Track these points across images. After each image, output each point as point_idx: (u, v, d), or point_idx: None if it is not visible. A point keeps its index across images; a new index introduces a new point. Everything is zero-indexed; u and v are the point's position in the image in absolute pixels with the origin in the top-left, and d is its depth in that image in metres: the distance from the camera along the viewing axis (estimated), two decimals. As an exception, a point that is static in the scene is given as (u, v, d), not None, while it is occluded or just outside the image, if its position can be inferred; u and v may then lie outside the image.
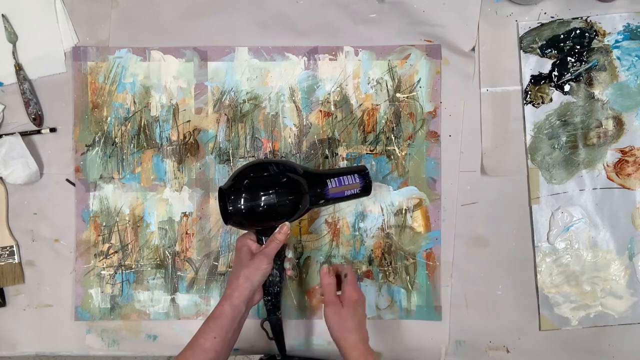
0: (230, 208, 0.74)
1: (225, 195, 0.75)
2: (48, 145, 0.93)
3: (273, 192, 0.75)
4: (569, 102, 0.91)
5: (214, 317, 0.74)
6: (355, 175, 0.82)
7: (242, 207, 0.74)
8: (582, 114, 0.91)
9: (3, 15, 0.93)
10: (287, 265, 0.81)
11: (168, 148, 0.93)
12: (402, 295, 0.92)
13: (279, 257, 0.79)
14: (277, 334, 0.82)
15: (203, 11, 0.93)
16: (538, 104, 0.91)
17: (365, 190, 0.83)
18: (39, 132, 0.93)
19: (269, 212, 0.75)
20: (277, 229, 0.77)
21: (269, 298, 0.80)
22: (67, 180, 0.93)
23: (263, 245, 0.78)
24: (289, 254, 0.82)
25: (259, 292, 0.78)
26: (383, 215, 0.92)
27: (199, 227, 0.93)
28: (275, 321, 0.81)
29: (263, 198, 0.75)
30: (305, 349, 0.92)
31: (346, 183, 0.81)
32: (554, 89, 0.91)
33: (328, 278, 0.78)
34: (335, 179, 0.81)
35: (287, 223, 0.77)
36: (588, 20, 0.91)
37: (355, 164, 0.92)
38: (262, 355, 0.94)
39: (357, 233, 0.92)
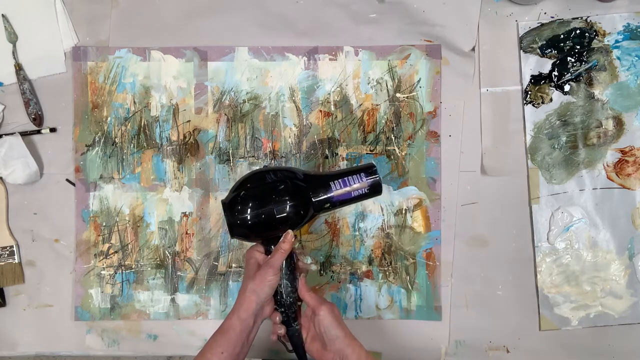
0: (230, 221, 0.73)
1: (225, 208, 0.74)
2: (48, 145, 0.93)
3: (270, 201, 0.73)
4: (569, 102, 0.91)
5: (221, 331, 0.72)
6: (362, 174, 0.77)
7: (241, 219, 0.73)
8: (582, 114, 0.91)
9: (3, 15, 0.93)
10: (313, 267, 0.78)
11: (168, 148, 0.93)
12: (402, 295, 0.92)
13: (289, 267, 0.75)
14: (297, 345, 0.76)
15: (203, 11, 0.93)
16: (538, 104, 0.91)
17: (374, 189, 0.78)
18: (39, 132, 0.93)
19: (269, 221, 0.73)
20: (282, 238, 0.74)
21: (283, 310, 0.75)
22: (67, 180, 0.93)
23: (269, 257, 0.75)
24: (308, 259, 0.78)
25: (268, 305, 0.75)
26: (383, 215, 0.92)
27: (199, 227, 0.93)
28: (293, 332, 0.76)
29: (260, 208, 0.73)
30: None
31: (352, 184, 0.77)
32: (554, 89, 0.91)
33: (307, 286, 0.76)
34: (340, 180, 0.77)
35: (290, 231, 0.74)
36: (588, 20, 0.91)
37: (355, 164, 0.92)
38: (261, 359, 0.94)
39: (357, 233, 0.92)
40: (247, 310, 0.72)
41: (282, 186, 0.74)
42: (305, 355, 0.77)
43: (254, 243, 0.78)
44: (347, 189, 0.77)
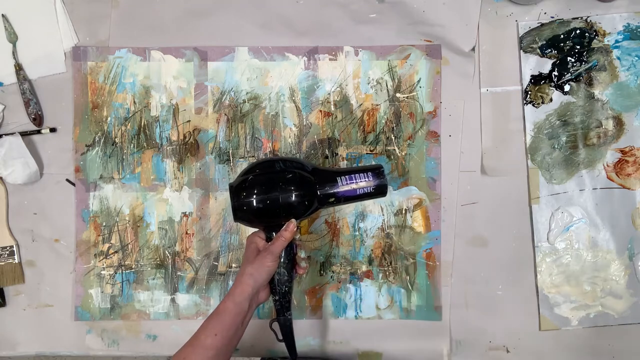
0: (235, 204, 0.75)
1: (231, 191, 0.76)
2: (48, 145, 0.93)
3: (276, 188, 0.74)
4: (569, 102, 0.91)
5: (216, 313, 0.73)
6: (369, 173, 0.79)
7: (246, 203, 0.74)
8: (582, 114, 0.91)
9: (3, 15, 0.93)
10: (303, 264, 0.79)
11: (168, 148, 0.93)
12: (402, 295, 0.92)
13: (288, 256, 0.77)
14: (287, 335, 0.79)
15: (203, 11, 0.93)
16: (538, 104, 0.91)
17: (380, 190, 0.79)
18: (39, 132, 0.93)
19: (273, 208, 0.75)
20: (284, 226, 0.76)
21: (277, 298, 0.77)
22: (67, 180, 0.93)
23: (270, 243, 0.76)
24: (302, 254, 0.79)
25: (264, 291, 0.76)
26: (383, 215, 0.92)
27: (199, 227, 0.93)
28: (284, 322, 0.78)
29: (266, 194, 0.74)
30: (305, 350, 0.92)
31: (358, 181, 0.78)
32: (554, 89, 0.91)
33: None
34: (347, 176, 0.78)
35: (293, 220, 0.76)
36: (588, 20, 0.91)
37: (355, 164, 0.92)
38: (261, 357, 0.94)
39: (357, 233, 0.92)
40: (243, 294, 0.72)
41: (290, 175, 0.76)
42: (294, 346, 0.78)
43: (256, 229, 0.80)
44: (353, 185, 0.78)
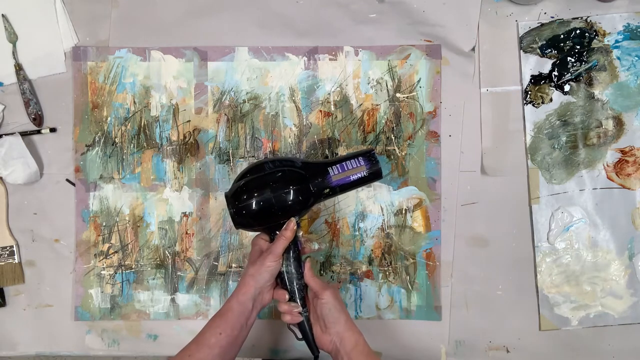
0: (232, 211, 0.76)
1: (227, 200, 0.77)
2: (48, 145, 0.93)
3: (268, 188, 0.75)
4: (569, 102, 0.91)
5: (220, 313, 0.74)
6: (360, 158, 0.79)
7: (241, 208, 0.75)
8: (582, 114, 0.91)
9: (3, 15, 0.93)
10: (316, 246, 0.80)
11: (168, 148, 0.93)
12: (402, 295, 0.92)
13: (294, 254, 0.77)
14: (305, 332, 0.77)
15: (203, 11, 0.93)
16: (538, 104, 0.92)
17: (374, 173, 0.79)
18: (39, 132, 0.93)
19: (268, 208, 0.75)
20: (284, 225, 0.76)
21: (289, 296, 0.77)
22: (67, 180, 0.93)
23: (271, 243, 0.77)
24: (315, 246, 0.80)
25: (268, 292, 0.76)
26: (383, 215, 0.92)
27: (199, 227, 0.93)
28: (300, 320, 0.77)
29: (258, 196, 0.75)
30: (305, 349, 0.92)
31: (350, 167, 0.78)
32: (554, 89, 0.91)
33: (312, 271, 0.78)
34: (337, 165, 0.78)
35: (293, 219, 0.76)
36: (588, 20, 0.91)
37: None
38: (262, 358, 0.94)
39: (357, 233, 0.92)
40: (246, 294, 0.73)
41: (280, 174, 0.76)
42: (314, 342, 0.77)
43: (259, 232, 0.80)
44: (345, 172, 0.78)
